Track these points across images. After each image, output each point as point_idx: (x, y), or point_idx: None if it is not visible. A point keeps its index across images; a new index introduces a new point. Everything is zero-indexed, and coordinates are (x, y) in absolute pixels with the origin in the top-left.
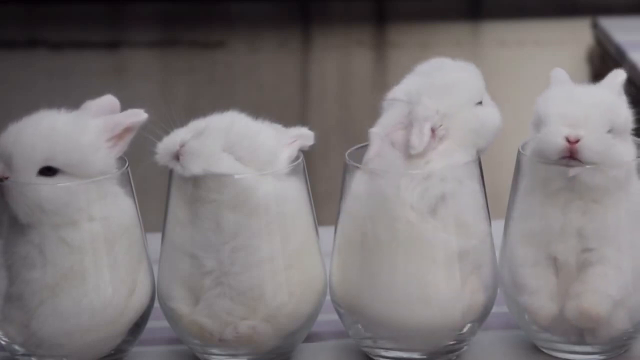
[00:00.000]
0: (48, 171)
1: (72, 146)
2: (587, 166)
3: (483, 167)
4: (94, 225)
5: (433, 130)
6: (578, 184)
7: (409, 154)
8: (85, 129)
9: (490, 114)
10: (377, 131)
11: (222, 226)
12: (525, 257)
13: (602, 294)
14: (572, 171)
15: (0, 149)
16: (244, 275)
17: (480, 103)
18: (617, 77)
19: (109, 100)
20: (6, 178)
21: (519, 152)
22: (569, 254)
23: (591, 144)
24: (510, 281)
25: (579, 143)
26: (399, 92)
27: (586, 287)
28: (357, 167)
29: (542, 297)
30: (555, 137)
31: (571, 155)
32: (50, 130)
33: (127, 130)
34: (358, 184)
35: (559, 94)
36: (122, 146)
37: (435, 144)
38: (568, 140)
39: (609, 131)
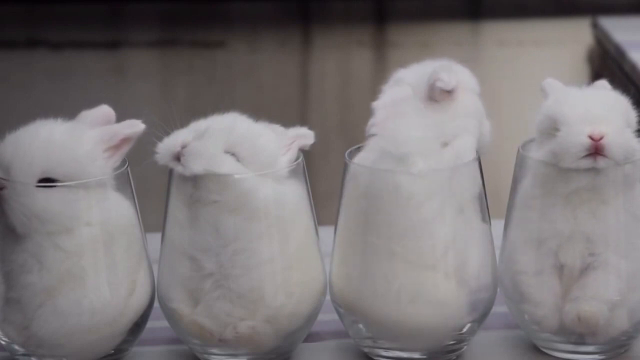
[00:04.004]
0: (46, 181)
1: (70, 157)
2: (614, 161)
3: (483, 167)
4: (92, 229)
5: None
6: (597, 182)
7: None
8: (82, 140)
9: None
10: (381, 103)
11: (221, 229)
12: (528, 264)
13: (601, 300)
14: (600, 162)
15: None
16: (244, 277)
17: None
18: (605, 86)
19: (104, 110)
20: (4, 188)
21: (518, 152)
22: (576, 259)
23: (615, 139)
24: (510, 285)
25: (603, 139)
26: (407, 74)
27: (586, 292)
28: (357, 167)
29: (545, 308)
30: (578, 135)
31: (596, 151)
32: (47, 142)
33: (124, 140)
34: (355, 181)
35: (572, 96)
36: (119, 156)
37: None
38: (592, 138)
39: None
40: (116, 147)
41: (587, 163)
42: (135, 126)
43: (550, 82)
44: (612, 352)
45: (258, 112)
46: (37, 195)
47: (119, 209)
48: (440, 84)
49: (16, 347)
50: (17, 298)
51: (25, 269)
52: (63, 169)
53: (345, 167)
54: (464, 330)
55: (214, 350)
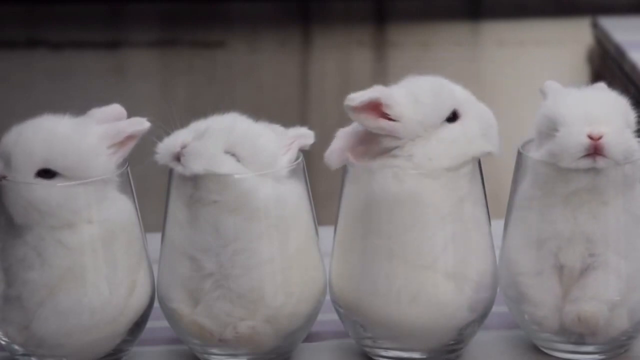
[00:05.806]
0: (46, 174)
1: (72, 150)
2: (614, 161)
3: (483, 167)
4: (92, 227)
5: (381, 108)
6: (597, 182)
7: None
8: (86, 134)
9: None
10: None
11: (221, 229)
12: (528, 265)
13: (601, 300)
14: (599, 162)
15: (1, 149)
16: (244, 277)
17: (450, 119)
18: (603, 88)
19: (115, 109)
20: (4, 177)
21: (518, 152)
22: (576, 260)
23: (614, 139)
24: (511, 285)
25: (602, 139)
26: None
27: (586, 292)
28: (358, 167)
29: (546, 308)
30: (578, 135)
31: (595, 151)
32: (50, 132)
33: (129, 138)
34: (355, 182)
35: (571, 96)
36: (123, 153)
37: (388, 127)
38: (591, 138)
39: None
40: (121, 144)
41: (587, 163)
42: (140, 124)
43: (549, 84)
44: (612, 352)
45: (258, 112)
46: (36, 186)
47: (120, 208)
48: (347, 101)
49: (16, 347)
50: (17, 295)
51: (26, 264)
52: (65, 161)
53: (345, 167)
54: (464, 330)
55: (214, 350)
